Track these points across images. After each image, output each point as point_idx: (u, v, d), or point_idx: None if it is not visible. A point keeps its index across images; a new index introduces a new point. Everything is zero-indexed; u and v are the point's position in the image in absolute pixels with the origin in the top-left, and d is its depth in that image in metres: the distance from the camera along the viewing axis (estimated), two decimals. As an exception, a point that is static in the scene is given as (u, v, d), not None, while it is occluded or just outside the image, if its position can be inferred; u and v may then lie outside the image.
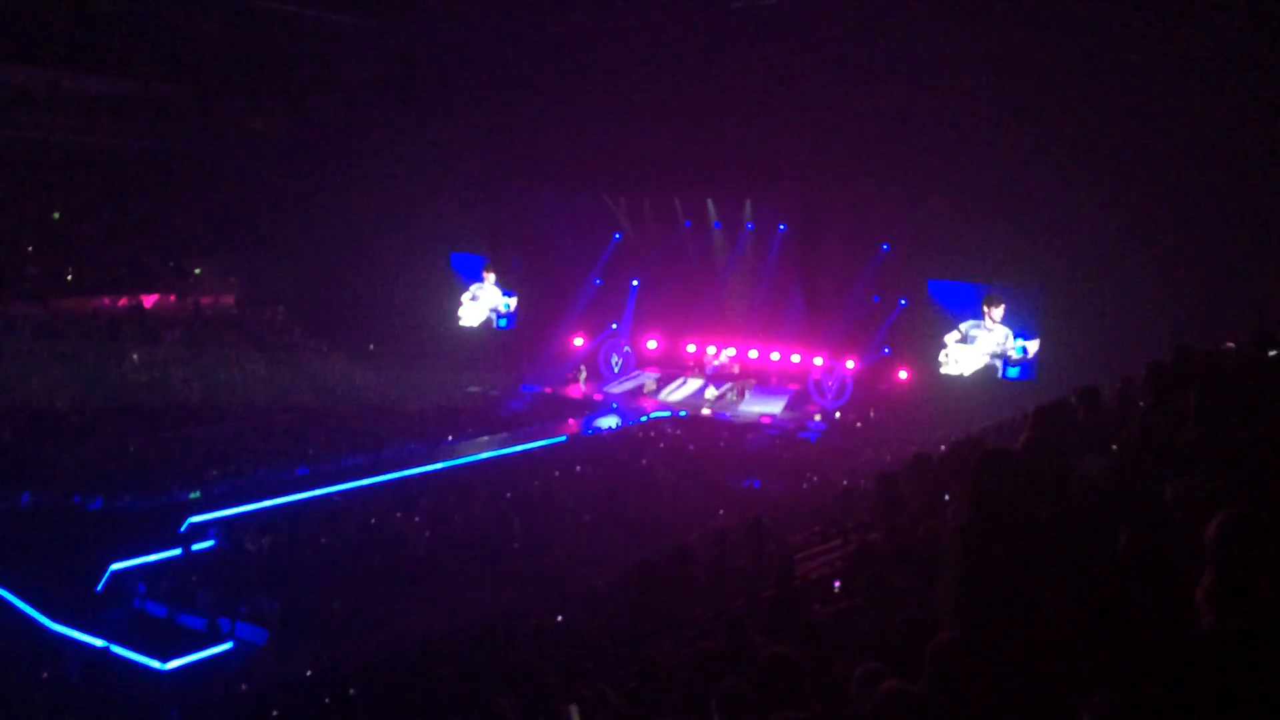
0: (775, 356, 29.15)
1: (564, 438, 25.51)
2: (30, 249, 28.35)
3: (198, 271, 31.44)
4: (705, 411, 28.07)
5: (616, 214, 30.42)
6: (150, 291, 29.55)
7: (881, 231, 26.67)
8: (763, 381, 29.37)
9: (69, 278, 28.74)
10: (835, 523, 10.76)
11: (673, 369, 30.46)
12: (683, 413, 27.98)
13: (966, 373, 25.88)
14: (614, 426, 27.07)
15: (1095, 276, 22.44)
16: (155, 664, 14.61)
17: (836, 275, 27.55)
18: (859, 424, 26.38)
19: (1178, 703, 2.62)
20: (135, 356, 26.06)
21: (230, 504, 19.08)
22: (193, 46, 22.23)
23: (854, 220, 26.52)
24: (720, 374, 29.82)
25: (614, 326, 31.34)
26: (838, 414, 27.17)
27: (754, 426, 26.72)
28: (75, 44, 21.86)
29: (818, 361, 28.16)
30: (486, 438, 25.09)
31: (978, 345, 25.87)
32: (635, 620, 9.69)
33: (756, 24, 21.34)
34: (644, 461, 23.38)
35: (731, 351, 29.91)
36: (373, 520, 19.27)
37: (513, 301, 32.28)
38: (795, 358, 28.78)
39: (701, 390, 29.29)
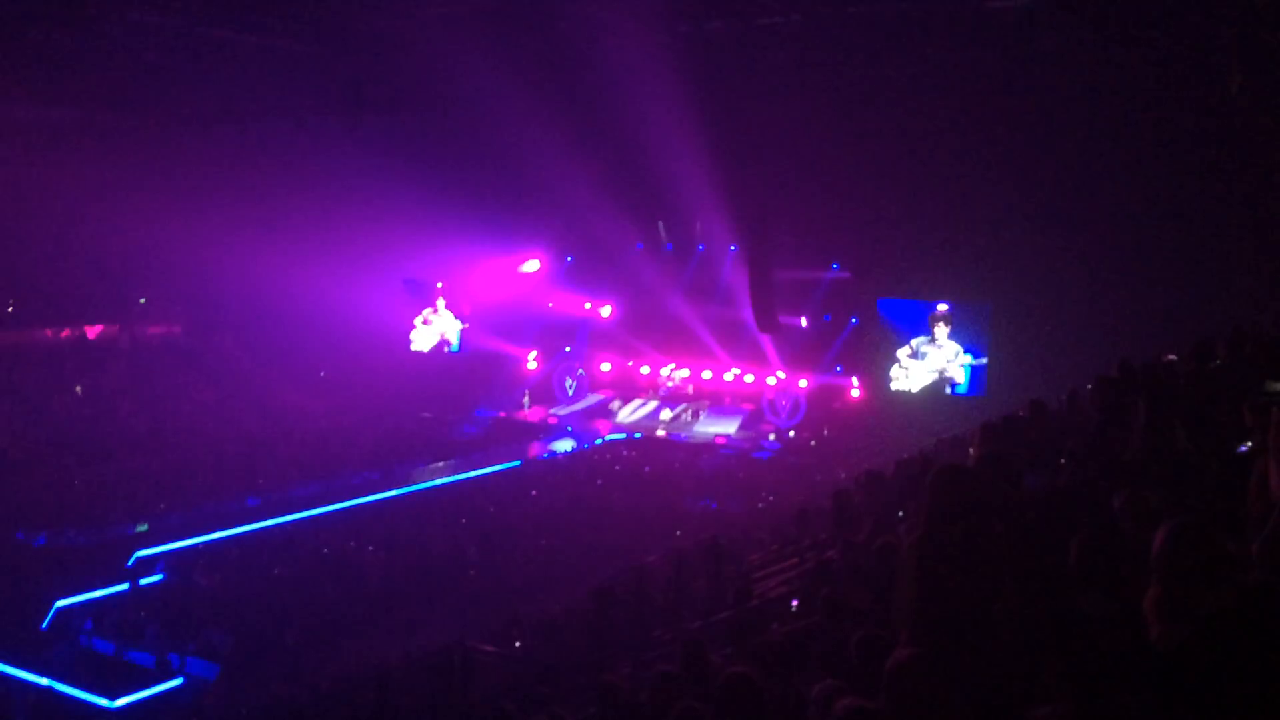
0: (729, 377, 29.28)
1: (518, 462, 25.40)
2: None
3: (142, 301, 30.97)
4: (660, 433, 28.11)
5: (568, 236, 30.44)
6: (94, 322, 29.05)
7: (831, 251, 26.97)
8: (716, 402, 29.49)
9: (10, 309, 28.20)
10: (792, 541, 10.81)
11: (627, 391, 30.47)
12: (637, 434, 27.99)
13: (915, 389, 26.16)
14: (569, 450, 27.01)
15: (1040, 292, 22.88)
16: (104, 702, 14.25)
17: (787, 295, 27.73)
18: (813, 442, 26.54)
19: (1127, 713, 2.65)
20: (79, 388, 25.61)
21: (179, 537, 18.76)
22: (136, 73, 21.99)
23: (805, 240, 26.74)
24: (674, 395, 29.88)
25: (567, 349, 31.31)
26: (792, 433, 27.33)
27: (709, 447, 26.78)
28: (15, 72, 21.54)
29: (771, 381, 28.33)
30: (440, 464, 24.91)
31: (927, 361, 26.17)
32: (594, 644, 9.64)
33: (705, 47, 21.49)
34: (599, 483, 23.33)
35: (685, 373, 29.98)
36: (325, 550, 19.01)
37: (463, 326, 32.18)
38: (749, 378, 28.93)
39: (658, 411, 29.33)
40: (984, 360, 25.59)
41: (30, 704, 14.00)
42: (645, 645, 8.94)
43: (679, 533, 18.56)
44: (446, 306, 32.18)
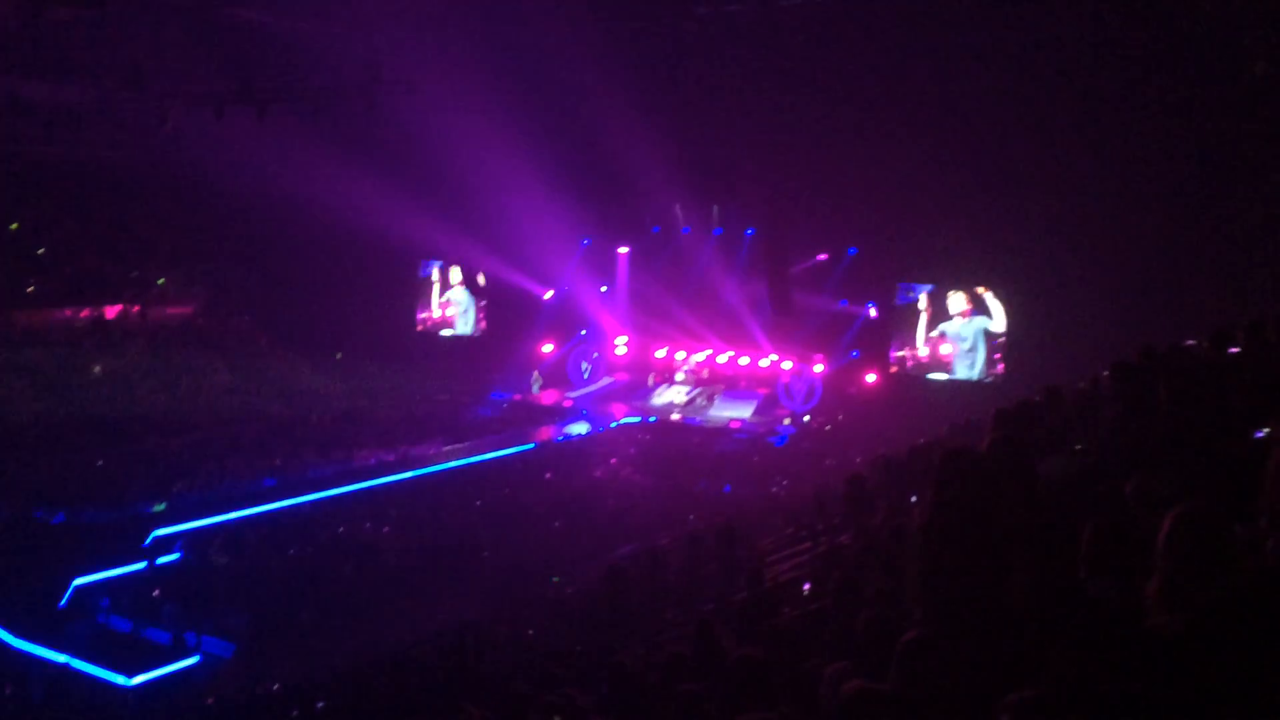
0: (744, 361, 29.23)
1: (533, 444, 25.44)
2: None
3: (161, 282, 31.11)
4: (675, 417, 28.09)
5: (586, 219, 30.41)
6: (113, 302, 29.21)
7: (849, 235, 26.87)
8: (732, 386, 29.44)
9: (30, 290, 28.36)
10: (805, 526, 10.80)
11: (642, 374, 30.47)
12: (652, 418, 27.97)
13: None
14: (583, 433, 27.04)
15: (1060, 276, 22.73)
16: (120, 680, 14.38)
17: (804, 279, 27.64)
18: (828, 427, 26.48)
19: (1125, 700, 2.61)
20: (98, 368, 25.75)
21: (196, 516, 18.84)
22: (153, 55, 22.03)
23: (821, 224, 26.64)
24: (690, 379, 29.87)
25: (583, 333, 31.30)
26: (807, 418, 27.26)
27: (724, 431, 26.76)
28: (33, 52, 21.60)
29: (786, 366, 28.26)
30: (455, 445, 24.98)
31: (961, 335, 26.09)
32: (606, 626, 9.66)
33: (722, 32, 21.43)
34: (613, 461, 23.42)
35: (701, 356, 29.93)
36: (341, 530, 19.11)
37: (479, 306, 32.31)
38: (764, 362, 28.87)
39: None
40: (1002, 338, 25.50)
41: (47, 680, 14.14)
42: (657, 627, 8.95)
43: (692, 516, 18.57)
44: (464, 289, 32.31)
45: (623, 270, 30.72)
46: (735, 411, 28.03)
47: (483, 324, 32.51)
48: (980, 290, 25.69)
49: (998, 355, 25.64)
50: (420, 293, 33.11)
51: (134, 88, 21.60)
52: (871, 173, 24.15)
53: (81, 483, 20.45)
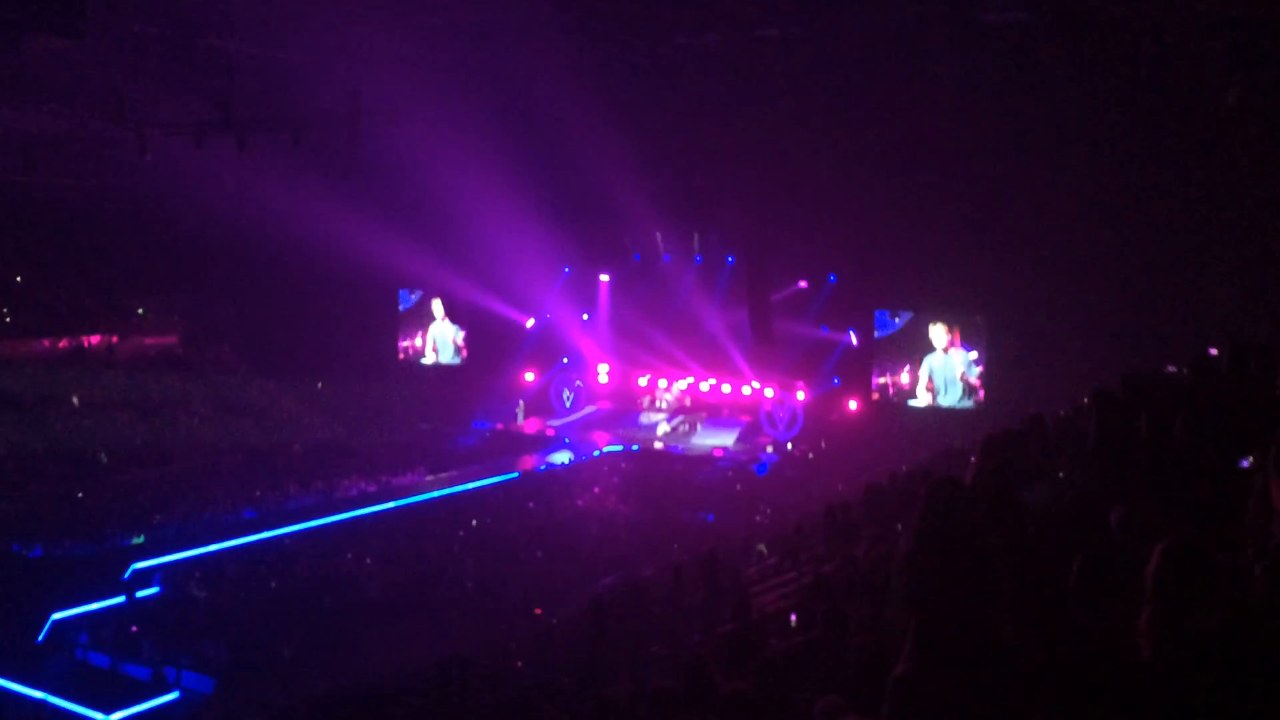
0: (726, 389, 29.26)
1: (516, 474, 25.35)
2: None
3: (140, 311, 30.93)
4: (657, 445, 28.06)
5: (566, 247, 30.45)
6: (91, 332, 29.01)
7: (829, 262, 27.01)
8: (714, 414, 29.45)
9: (7, 319, 28.15)
10: (790, 555, 10.78)
11: (625, 402, 30.46)
12: (635, 446, 27.94)
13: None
14: (566, 462, 26.97)
15: (1039, 304, 22.90)
16: (98, 716, 14.19)
17: (785, 306, 27.74)
18: (810, 455, 26.51)
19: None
20: (76, 399, 25.53)
21: (176, 549, 18.66)
22: (133, 84, 21.99)
23: (802, 251, 26.77)
24: (672, 407, 29.87)
25: (565, 361, 31.28)
26: (789, 445, 27.29)
27: (706, 459, 26.74)
28: (12, 81, 21.53)
29: (768, 393, 28.31)
30: (438, 475, 24.87)
31: (942, 372, 26.20)
32: (590, 657, 9.61)
33: (701, 60, 21.55)
34: (596, 490, 23.35)
35: (683, 384, 29.95)
36: (322, 562, 18.96)
37: (461, 336, 32.26)
38: (746, 390, 28.91)
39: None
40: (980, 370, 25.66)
41: (25, 717, 13.92)
42: (642, 660, 8.90)
43: (676, 546, 18.53)
44: (445, 318, 32.26)
45: (604, 298, 30.81)
46: (718, 439, 28.04)
47: (464, 353, 32.44)
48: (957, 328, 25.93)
49: (978, 382, 25.77)
50: (402, 322, 33.03)
51: (114, 117, 21.52)
52: (851, 200, 24.31)
53: (59, 515, 20.23)
